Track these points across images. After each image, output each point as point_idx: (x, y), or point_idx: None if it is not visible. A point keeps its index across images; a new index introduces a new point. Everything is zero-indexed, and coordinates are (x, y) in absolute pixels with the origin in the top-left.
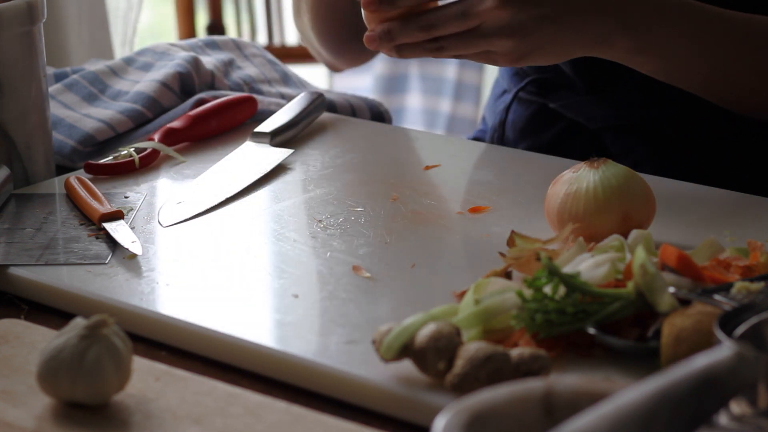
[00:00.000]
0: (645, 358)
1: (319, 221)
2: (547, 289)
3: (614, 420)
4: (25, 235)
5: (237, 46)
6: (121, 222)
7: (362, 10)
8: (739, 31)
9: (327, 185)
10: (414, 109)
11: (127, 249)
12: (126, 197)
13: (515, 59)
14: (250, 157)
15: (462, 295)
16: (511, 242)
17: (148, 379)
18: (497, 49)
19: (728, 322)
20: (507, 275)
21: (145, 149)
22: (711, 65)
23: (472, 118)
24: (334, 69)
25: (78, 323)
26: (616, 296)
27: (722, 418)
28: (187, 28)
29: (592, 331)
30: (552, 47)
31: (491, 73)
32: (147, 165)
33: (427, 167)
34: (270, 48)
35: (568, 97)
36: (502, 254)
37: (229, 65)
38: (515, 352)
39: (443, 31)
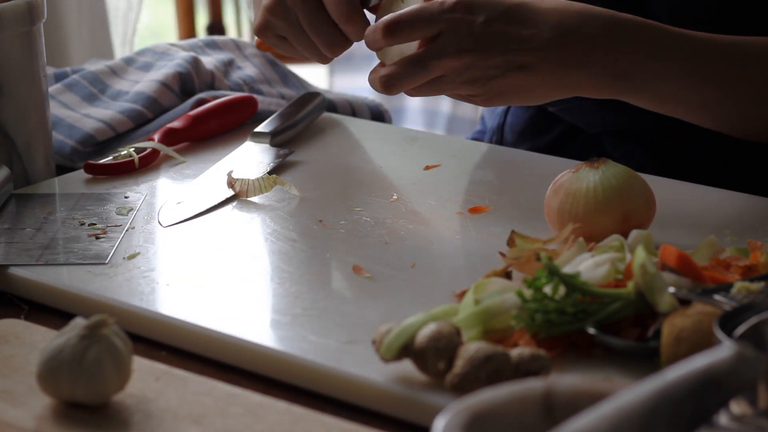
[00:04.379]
0: (645, 358)
1: (320, 221)
2: (547, 289)
3: (614, 420)
4: (25, 235)
5: (237, 46)
6: None
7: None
8: (735, 56)
9: (327, 185)
10: (414, 109)
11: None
12: (126, 197)
13: (484, 101)
14: (250, 157)
15: (462, 295)
16: (511, 242)
17: (148, 379)
18: (465, 93)
19: (728, 322)
20: (507, 275)
21: (145, 149)
22: (708, 96)
23: (472, 118)
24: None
25: (78, 323)
26: (616, 296)
27: (722, 418)
28: (187, 28)
29: (592, 331)
30: (526, 92)
31: None
32: (147, 165)
33: (427, 167)
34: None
35: (567, 101)
36: (502, 254)
37: (229, 65)
38: (515, 352)
39: (409, 85)
